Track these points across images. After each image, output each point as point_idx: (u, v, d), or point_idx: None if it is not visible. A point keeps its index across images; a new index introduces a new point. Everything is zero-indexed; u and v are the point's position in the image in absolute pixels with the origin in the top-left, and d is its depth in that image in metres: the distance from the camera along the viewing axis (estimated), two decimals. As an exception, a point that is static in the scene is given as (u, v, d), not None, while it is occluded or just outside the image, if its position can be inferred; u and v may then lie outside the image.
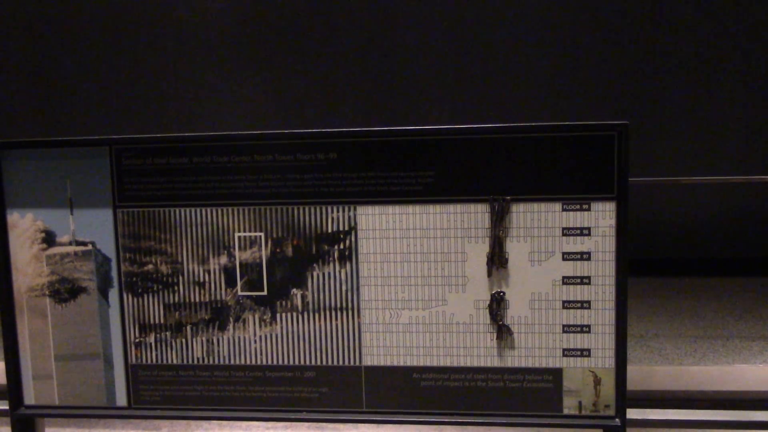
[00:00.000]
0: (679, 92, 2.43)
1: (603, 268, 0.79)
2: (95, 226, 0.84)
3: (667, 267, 2.56)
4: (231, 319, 0.84)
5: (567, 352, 0.80)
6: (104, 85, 2.45)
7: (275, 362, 0.84)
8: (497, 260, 0.80)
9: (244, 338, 0.84)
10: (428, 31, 2.21)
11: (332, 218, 0.81)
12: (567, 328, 0.80)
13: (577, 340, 0.80)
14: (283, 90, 1.95)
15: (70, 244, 0.84)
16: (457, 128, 0.79)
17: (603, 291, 0.79)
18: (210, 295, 0.84)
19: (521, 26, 2.25)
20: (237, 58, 2.25)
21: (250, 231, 0.82)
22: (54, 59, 2.58)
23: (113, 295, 0.85)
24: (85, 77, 2.53)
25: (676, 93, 2.43)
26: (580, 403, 0.80)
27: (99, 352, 0.86)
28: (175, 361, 0.85)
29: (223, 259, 0.83)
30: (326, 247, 0.82)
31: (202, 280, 0.83)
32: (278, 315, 0.83)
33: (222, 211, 0.83)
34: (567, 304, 0.80)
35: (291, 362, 0.84)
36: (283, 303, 0.83)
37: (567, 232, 0.79)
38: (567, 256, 0.79)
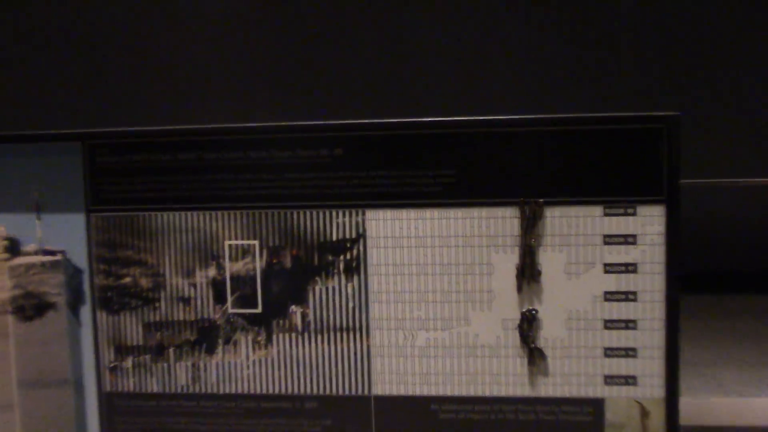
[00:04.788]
0: (737, 81, 2.41)
1: (651, 282, 0.79)
2: (66, 233, 0.84)
3: (724, 282, 2.54)
4: (220, 341, 0.83)
5: (609, 380, 0.80)
6: (76, 72, 2.45)
7: (271, 391, 0.84)
8: (528, 273, 0.79)
9: (236, 363, 0.83)
10: (443, 12, 2.20)
11: (337, 224, 0.81)
12: (609, 352, 0.79)
13: (622, 366, 0.80)
14: (281, 76, 1.93)
15: (36, 253, 0.84)
16: (483, 120, 0.79)
17: (651, 308, 0.79)
18: (196, 312, 0.83)
19: (552, 2, 2.24)
20: (228, 41, 2.25)
21: (242, 238, 0.82)
22: (19, 45, 2.59)
23: (85, 312, 0.85)
24: (55, 63, 2.54)
25: (732, 81, 2.42)
26: (624, 439, 0.79)
27: (68, 378, 0.85)
28: (155, 389, 0.85)
29: (212, 271, 0.83)
30: (330, 258, 0.81)
31: (187, 295, 0.83)
32: (275, 336, 0.83)
33: (210, 215, 0.82)
34: (609, 324, 0.79)
35: (290, 391, 0.83)
36: (281, 322, 0.82)
37: (609, 240, 0.78)
38: (609, 268, 0.79)
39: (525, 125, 0.78)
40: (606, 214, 0.78)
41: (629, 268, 0.78)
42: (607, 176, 0.77)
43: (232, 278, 0.83)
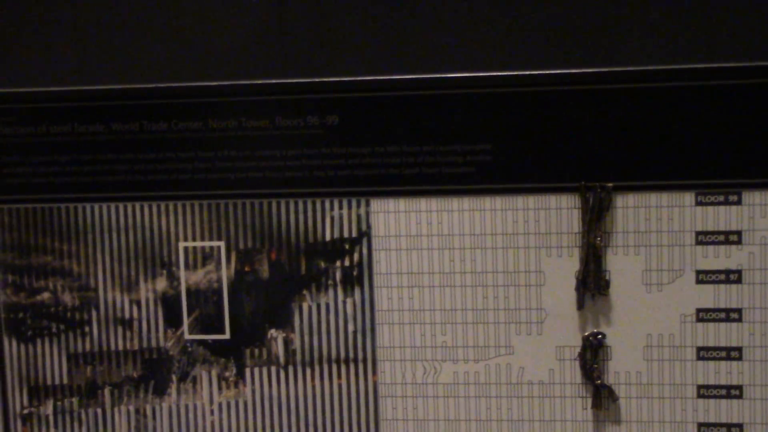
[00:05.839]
0: None
1: (762, 296, 0.69)
2: None
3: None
4: (174, 378, 0.75)
5: (705, 429, 0.70)
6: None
7: (243, 444, 0.76)
8: (593, 284, 0.70)
9: (195, 407, 0.75)
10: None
11: (332, 218, 0.72)
12: (704, 391, 0.70)
13: (722, 410, 0.70)
14: (257, 18, 1.76)
15: None
16: (529, 76, 0.68)
17: (762, 331, 0.69)
18: (140, 339, 0.75)
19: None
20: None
21: (202, 239, 0.74)
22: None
23: None
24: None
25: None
26: (724, 507, 0.72)
27: None
28: (86, 444, 0.78)
29: (161, 284, 0.74)
30: (323, 264, 0.72)
31: (127, 316, 0.75)
32: (248, 371, 0.74)
33: (158, 207, 0.74)
34: (704, 353, 0.69)
35: (268, 444, 0.76)
36: (256, 352, 0.74)
37: (704, 238, 0.69)
38: (704, 277, 0.69)
39: (586, 82, 0.68)
40: (699, 203, 0.68)
41: (732, 276, 0.68)
42: (701, 150, 0.67)
43: (189, 293, 0.74)
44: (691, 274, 0.68)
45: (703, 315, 0.68)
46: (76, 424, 0.75)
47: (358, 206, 0.71)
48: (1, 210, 0.74)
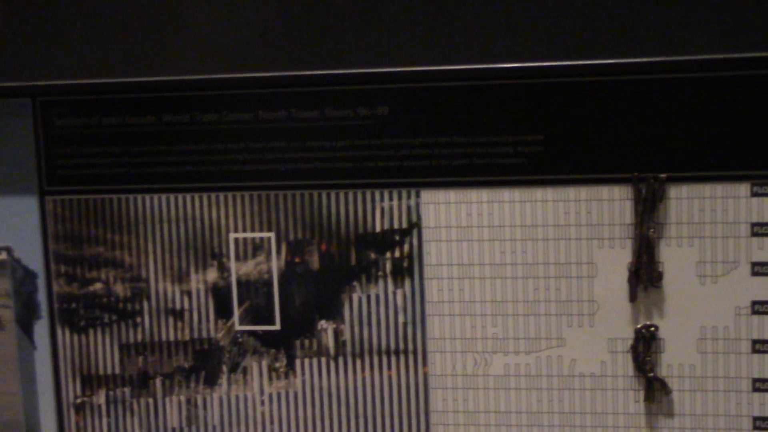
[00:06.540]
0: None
1: None
2: (12, 224, 0.76)
3: None
4: (224, 369, 0.74)
5: (760, 423, 0.68)
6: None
7: (293, 435, 0.75)
8: (646, 275, 0.68)
9: (246, 398, 0.74)
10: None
11: (382, 209, 0.71)
12: (760, 385, 0.68)
13: None
14: (307, 7, 1.74)
15: (-29, 251, 0.76)
16: (581, 66, 0.67)
17: None
18: (191, 330, 0.75)
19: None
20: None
21: (252, 230, 0.73)
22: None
23: (41, 329, 0.76)
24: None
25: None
26: (778, 502, 0.70)
27: (19, 419, 0.77)
28: (137, 434, 0.77)
29: (211, 275, 0.74)
30: (373, 256, 0.72)
31: (178, 307, 0.74)
32: (298, 362, 0.73)
33: (209, 198, 0.73)
34: (760, 346, 0.68)
35: (318, 435, 0.75)
36: (306, 343, 0.73)
37: (759, 230, 0.67)
38: (759, 269, 0.67)
39: (639, 72, 0.67)
40: (755, 194, 0.67)
41: (788, 268, 0.68)
42: (757, 140, 0.66)
43: (239, 284, 0.74)
44: (746, 266, 0.67)
45: (759, 308, 0.67)
46: (127, 414, 0.75)
47: (409, 197, 0.71)
48: (54, 201, 0.74)
